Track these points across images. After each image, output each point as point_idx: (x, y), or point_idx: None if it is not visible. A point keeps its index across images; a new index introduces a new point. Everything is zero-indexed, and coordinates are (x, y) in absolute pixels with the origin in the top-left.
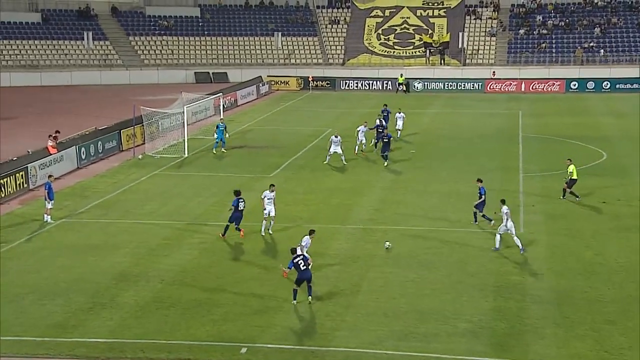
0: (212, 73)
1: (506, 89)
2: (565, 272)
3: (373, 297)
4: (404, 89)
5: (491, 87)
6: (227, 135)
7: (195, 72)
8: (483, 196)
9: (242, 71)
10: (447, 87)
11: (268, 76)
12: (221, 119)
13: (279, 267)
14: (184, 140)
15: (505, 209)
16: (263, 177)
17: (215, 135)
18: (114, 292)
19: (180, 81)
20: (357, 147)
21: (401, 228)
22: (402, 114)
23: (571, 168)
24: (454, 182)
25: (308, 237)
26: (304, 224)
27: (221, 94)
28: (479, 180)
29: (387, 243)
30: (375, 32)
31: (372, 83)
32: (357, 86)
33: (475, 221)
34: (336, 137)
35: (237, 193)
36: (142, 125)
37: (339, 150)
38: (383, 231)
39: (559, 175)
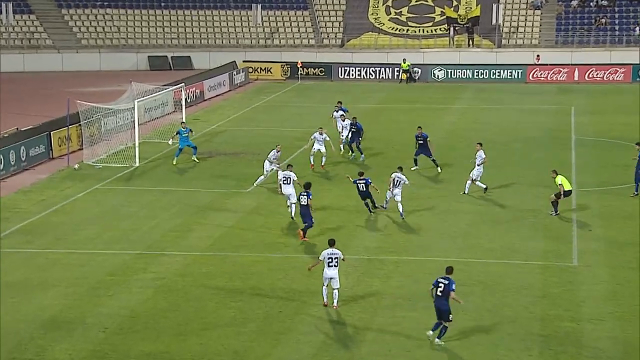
0: (172, 57)
1: (554, 78)
2: (632, 317)
3: (382, 349)
4: (410, 77)
5: (534, 76)
6: (191, 137)
7: (149, 56)
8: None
9: (210, 55)
10: (477, 75)
11: (244, 62)
12: (183, 123)
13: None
14: (134, 145)
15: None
16: (237, 193)
17: (176, 142)
18: (42, 344)
19: (129, 67)
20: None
21: (418, 259)
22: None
23: (559, 179)
24: (486, 199)
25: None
26: (291, 254)
27: (183, 84)
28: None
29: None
30: (383, 4)
31: (380, 70)
32: (359, 74)
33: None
34: (321, 134)
35: (306, 186)
36: (79, 125)
37: (322, 149)
38: (394, 263)
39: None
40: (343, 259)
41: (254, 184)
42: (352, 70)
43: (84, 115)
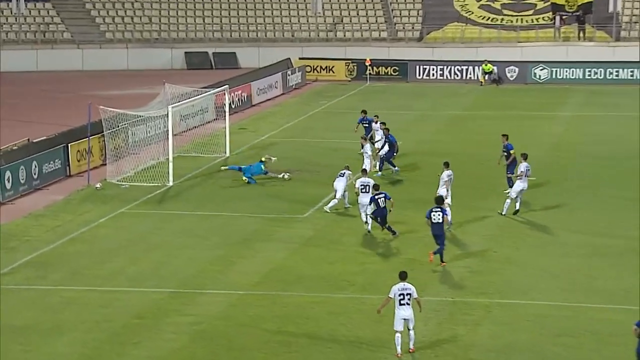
0: (213, 54)
1: None
2: None
3: None
4: (494, 78)
5: None
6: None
7: (186, 53)
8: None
9: (259, 51)
10: (590, 75)
11: (301, 59)
12: (268, 158)
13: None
14: (168, 160)
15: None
16: (291, 219)
17: (246, 168)
18: None
19: (162, 66)
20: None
21: (514, 302)
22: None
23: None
24: (604, 229)
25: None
26: (356, 294)
27: (227, 87)
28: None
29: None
30: None
31: (466, 69)
32: (441, 74)
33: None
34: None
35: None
36: (102, 135)
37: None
38: (485, 307)
39: None
40: (417, 299)
41: (326, 209)
42: (433, 69)
43: (108, 123)
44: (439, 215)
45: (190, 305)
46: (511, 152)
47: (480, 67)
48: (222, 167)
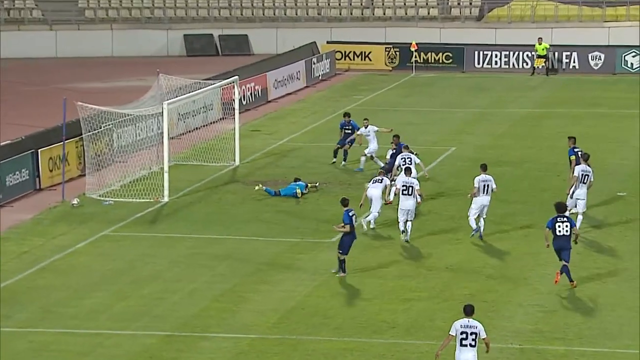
0: (219, 37)
1: None
2: None
3: None
4: (546, 66)
5: None
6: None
7: (185, 36)
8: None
9: (277, 33)
10: None
11: (329, 43)
12: (307, 186)
13: None
14: (162, 169)
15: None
16: (316, 244)
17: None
18: None
19: (155, 52)
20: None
21: (598, 351)
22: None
23: None
24: None
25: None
26: (400, 338)
27: (236, 78)
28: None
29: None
30: None
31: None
32: (506, 63)
33: None
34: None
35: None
36: (81, 139)
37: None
38: (561, 356)
39: None
40: (485, 340)
41: (364, 227)
42: (495, 56)
43: (88, 124)
44: (566, 227)
45: (189, 352)
46: (571, 158)
47: (535, 48)
48: (257, 188)
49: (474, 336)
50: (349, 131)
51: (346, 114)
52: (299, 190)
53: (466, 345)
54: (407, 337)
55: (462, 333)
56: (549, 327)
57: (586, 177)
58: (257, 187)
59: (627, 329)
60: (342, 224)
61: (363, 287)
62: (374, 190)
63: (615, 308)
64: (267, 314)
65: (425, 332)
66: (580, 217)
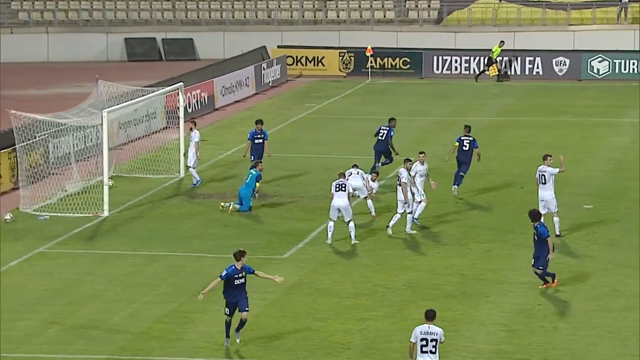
0: (163, 40)
1: None
2: None
3: None
4: (495, 71)
5: None
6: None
7: (126, 39)
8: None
9: (225, 37)
10: None
11: (280, 47)
12: (258, 163)
13: None
14: (102, 182)
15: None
16: (268, 261)
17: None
18: None
19: (95, 57)
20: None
21: None
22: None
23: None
24: None
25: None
26: None
27: (181, 84)
28: None
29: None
30: None
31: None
32: (467, 68)
33: None
34: (357, 173)
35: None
36: (14, 150)
37: (364, 192)
38: None
39: None
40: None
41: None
42: (455, 62)
43: (22, 134)
44: (534, 236)
45: None
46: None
47: (491, 51)
48: (232, 208)
49: (434, 342)
50: (260, 141)
51: (258, 121)
52: (257, 185)
53: (427, 352)
54: (363, 359)
55: (422, 340)
56: (512, 347)
57: (542, 176)
58: (222, 206)
59: (594, 349)
60: None
61: (316, 306)
62: (339, 200)
63: (582, 327)
64: (214, 336)
65: (382, 353)
66: (555, 218)
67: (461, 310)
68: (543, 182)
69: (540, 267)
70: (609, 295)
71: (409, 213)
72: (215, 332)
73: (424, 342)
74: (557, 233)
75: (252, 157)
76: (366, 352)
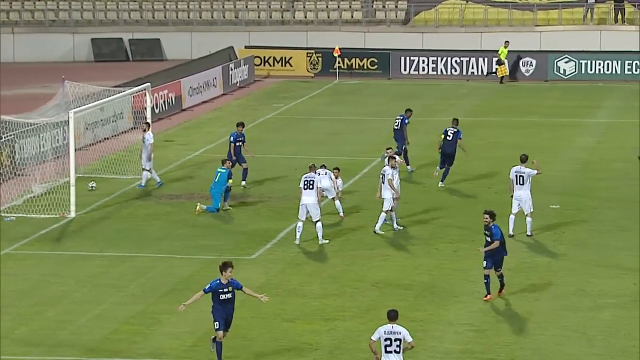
0: (130, 41)
1: None
2: None
3: None
4: (502, 71)
5: None
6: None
7: (92, 40)
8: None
9: (192, 38)
10: (630, 69)
11: (247, 48)
12: (226, 161)
13: None
14: (69, 182)
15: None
16: (236, 262)
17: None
18: None
19: (61, 57)
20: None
21: None
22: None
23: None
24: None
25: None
26: None
27: (148, 85)
28: None
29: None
30: None
31: (468, 61)
32: (434, 69)
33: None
34: (325, 173)
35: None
36: None
37: (331, 192)
38: None
39: None
40: (410, 344)
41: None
42: (423, 62)
43: None
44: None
45: None
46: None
47: (499, 52)
48: (199, 208)
49: (398, 342)
50: (241, 143)
51: (240, 124)
52: (230, 181)
53: (391, 352)
54: (331, 359)
55: (386, 340)
56: (480, 347)
57: (521, 177)
58: (199, 209)
59: (561, 348)
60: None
61: (285, 307)
62: (307, 198)
63: (549, 327)
64: (182, 337)
65: (350, 354)
66: (528, 219)
67: (429, 310)
68: (521, 182)
69: (499, 269)
70: (575, 295)
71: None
72: (184, 333)
73: (388, 342)
74: (529, 233)
75: (237, 159)
76: (334, 352)
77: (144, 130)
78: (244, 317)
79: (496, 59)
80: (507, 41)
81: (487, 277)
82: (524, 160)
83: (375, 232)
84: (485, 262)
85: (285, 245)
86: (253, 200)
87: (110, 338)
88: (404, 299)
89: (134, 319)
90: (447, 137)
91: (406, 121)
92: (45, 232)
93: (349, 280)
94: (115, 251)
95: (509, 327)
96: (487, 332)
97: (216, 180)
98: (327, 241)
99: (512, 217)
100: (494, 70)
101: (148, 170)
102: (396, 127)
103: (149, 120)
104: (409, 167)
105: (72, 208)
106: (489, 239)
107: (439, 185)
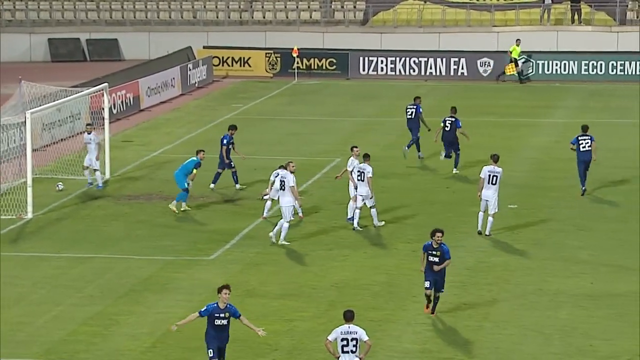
0: (87, 41)
1: None
2: None
3: None
4: (518, 71)
5: None
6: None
7: (49, 40)
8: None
9: (150, 38)
10: (587, 70)
11: (206, 48)
12: (200, 151)
13: None
14: (26, 183)
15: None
16: (194, 263)
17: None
18: None
19: (17, 57)
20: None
21: None
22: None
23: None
24: (604, 274)
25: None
26: None
27: (106, 85)
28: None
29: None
30: None
31: (426, 62)
32: (392, 69)
33: None
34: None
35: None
36: None
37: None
38: None
39: None
40: (367, 342)
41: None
42: (381, 62)
43: None
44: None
45: None
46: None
47: (510, 50)
48: (174, 208)
49: (355, 342)
50: (231, 146)
51: (232, 127)
52: (195, 172)
53: (348, 352)
54: (290, 359)
55: (342, 340)
56: (438, 346)
57: (495, 177)
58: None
59: (519, 347)
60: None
61: (244, 307)
62: (282, 200)
63: (507, 326)
64: (141, 338)
65: (309, 354)
66: (490, 219)
67: (388, 310)
68: (493, 182)
69: (442, 291)
70: (533, 293)
71: (358, 209)
72: (142, 334)
73: (345, 342)
74: (487, 233)
75: (229, 161)
76: (293, 352)
77: (88, 133)
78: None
79: (511, 57)
80: (519, 39)
81: (428, 297)
82: (496, 160)
83: (354, 228)
84: (427, 282)
85: (244, 245)
86: (212, 201)
87: (69, 339)
88: (362, 298)
89: (92, 320)
90: (446, 128)
91: (420, 109)
92: (2, 234)
93: (308, 280)
94: (73, 252)
95: (467, 327)
96: (445, 331)
97: (184, 163)
98: (288, 243)
99: (480, 214)
100: (504, 71)
101: (86, 169)
102: (410, 117)
103: (90, 122)
104: (420, 153)
105: (29, 209)
106: (437, 258)
107: (453, 171)
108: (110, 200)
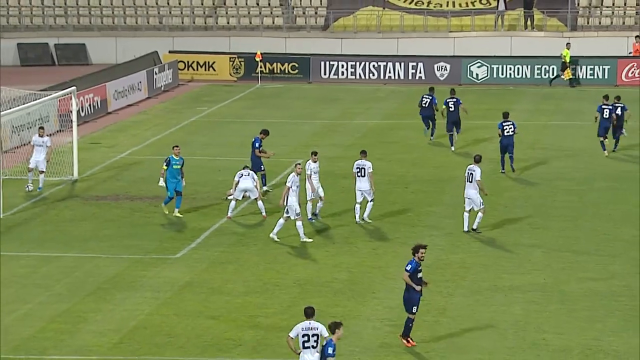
0: (55, 45)
1: None
2: None
3: None
4: (568, 74)
5: (629, 75)
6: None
7: (18, 45)
8: None
9: (117, 42)
10: (540, 74)
11: (171, 52)
12: (176, 147)
13: None
14: None
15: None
16: (160, 261)
17: (163, 183)
18: None
19: None
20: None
21: None
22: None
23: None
24: (556, 271)
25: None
26: (245, 357)
27: (74, 89)
28: None
29: None
30: None
31: (386, 66)
32: (353, 73)
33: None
34: (248, 174)
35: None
36: None
37: (254, 193)
38: None
39: None
40: (326, 340)
41: (271, 233)
42: (342, 66)
43: None
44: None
45: None
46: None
47: (562, 55)
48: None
49: (315, 337)
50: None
51: (264, 131)
52: (165, 167)
53: (309, 348)
54: (254, 355)
55: (303, 336)
56: (397, 341)
57: (471, 175)
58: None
59: (475, 342)
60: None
61: (208, 304)
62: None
63: (464, 321)
64: (108, 335)
65: (272, 349)
66: (480, 214)
67: (349, 307)
68: (469, 180)
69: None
70: (488, 290)
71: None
72: (109, 331)
73: (306, 338)
74: (474, 227)
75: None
76: (257, 348)
77: (40, 136)
78: (167, 314)
79: (563, 60)
80: (569, 43)
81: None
82: (477, 160)
83: (357, 222)
84: (417, 306)
85: (210, 244)
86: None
87: (37, 336)
88: (324, 295)
89: (60, 318)
90: (450, 109)
91: (435, 100)
92: None
93: (271, 278)
94: (42, 251)
95: (425, 322)
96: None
97: (172, 167)
98: (310, 240)
99: (466, 214)
100: (560, 74)
101: (44, 172)
102: (425, 106)
103: (43, 125)
104: (432, 137)
105: None
106: (420, 274)
107: (451, 149)
108: (79, 200)
